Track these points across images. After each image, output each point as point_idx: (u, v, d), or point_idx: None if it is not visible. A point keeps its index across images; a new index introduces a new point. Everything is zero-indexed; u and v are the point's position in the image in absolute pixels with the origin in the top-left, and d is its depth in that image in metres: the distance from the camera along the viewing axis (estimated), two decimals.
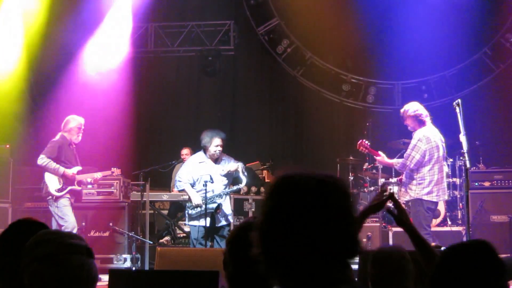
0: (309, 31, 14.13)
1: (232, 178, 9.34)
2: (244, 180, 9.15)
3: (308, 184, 1.96)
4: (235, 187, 9.28)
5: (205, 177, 9.08)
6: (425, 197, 8.38)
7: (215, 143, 9.13)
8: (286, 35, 14.14)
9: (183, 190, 9.41)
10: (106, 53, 13.40)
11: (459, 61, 13.45)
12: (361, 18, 13.53)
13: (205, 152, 9.28)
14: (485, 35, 13.42)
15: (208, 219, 8.96)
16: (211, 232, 9.09)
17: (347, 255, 1.96)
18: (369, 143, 9.01)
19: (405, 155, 8.55)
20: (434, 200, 8.50)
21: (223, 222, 9.23)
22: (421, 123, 8.47)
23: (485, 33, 13.41)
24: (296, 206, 1.92)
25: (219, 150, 9.18)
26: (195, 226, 9.14)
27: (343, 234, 1.93)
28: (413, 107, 8.55)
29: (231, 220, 9.43)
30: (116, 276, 4.61)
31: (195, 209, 9.09)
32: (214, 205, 9.02)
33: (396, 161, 8.83)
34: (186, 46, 14.28)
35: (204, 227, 9.00)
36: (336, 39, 13.98)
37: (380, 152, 8.93)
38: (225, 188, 9.22)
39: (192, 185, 9.23)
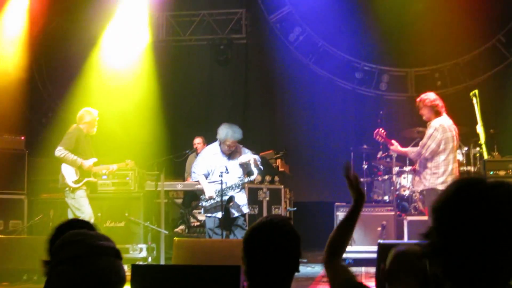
0: (321, 18, 14.15)
1: (246, 171, 9.40)
2: (255, 172, 9.17)
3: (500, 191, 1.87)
4: (246, 179, 9.32)
5: (221, 168, 9.15)
6: (440, 187, 8.43)
7: (227, 143, 9.14)
8: (298, 22, 14.17)
9: (198, 181, 9.50)
10: (124, 43, 13.50)
11: (473, 48, 13.44)
12: (373, 5, 13.52)
13: (219, 144, 9.35)
14: (499, 22, 13.39)
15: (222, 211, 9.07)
16: (226, 222, 9.18)
17: None
18: (385, 132, 9.04)
19: (420, 143, 8.57)
20: None
21: (237, 214, 9.30)
22: (437, 113, 8.49)
23: (499, 19, 13.38)
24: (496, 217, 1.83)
25: (231, 150, 9.21)
26: (210, 216, 9.22)
27: None
28: (430, 97, 8.56)
29: (247, 210, 9.48)
30: (138, 271, 4.68)
31: (209, 201, 9.16)
32: (226, 198, 9.07)
33: (411, 150, 8.85)
34: (198, 35, 14.36)
35: (219, 218, 9.12)
36: (348, 27, 14.00)
37: (393, 141, 8.96)
38: (239, 180, 9.27)
39: (206, 176, 9.31)
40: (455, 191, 1.90)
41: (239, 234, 9.17)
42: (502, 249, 1.81)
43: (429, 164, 8.52)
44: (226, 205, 9.03)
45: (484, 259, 1.82)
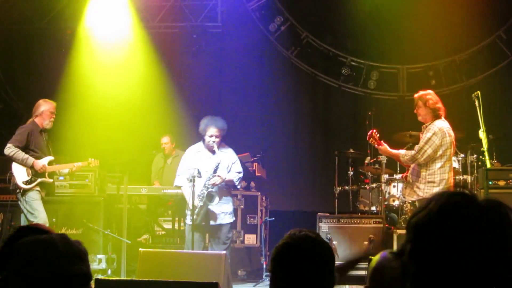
0: (305, 7, 14.14)
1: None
2: (215, 199, 9.09)
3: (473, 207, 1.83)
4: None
5: (205, 166, 9.12)
6: None
7: (209, 133, 9.14)
8: (280, 11, 14.13)
9: (180, 186, 9.45)
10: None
11: (471, 45, 13.51)
12: None
13: (203, 141, 9.32)
14: (499, 17, 13.48)
15: (200, 215, 9.06)
16: (206, 230, 9.23)
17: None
18: (379, 135, 8.89)
19: (416, 147, 8.50)
20: None
21: (220, 221, 9.22)
22: (436, 117, 8.49)
23: (500, 14, 13.47)
24: (461, 234, 1.79)
25: (214, 141, 9.17)
26: (189, 224, 9.16)
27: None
28: (433, 98, 8.52)
29: (230, 220, 9.43)
30: (102, 286, 4.63)
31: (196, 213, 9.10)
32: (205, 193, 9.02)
33: (404, 153, 8.67)
34: (168, 22, 14.23)
35: (197, 225, 9.09)
36: (335, 17, 14.01)
37: (382, 142, 8.84)
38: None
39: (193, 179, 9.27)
40: (439, 210, 1.84)
41: (216, 247, 9.12)
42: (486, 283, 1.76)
43: (423, 172, 8.49)
44: (206, 201, 8.97)
45: None
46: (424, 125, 8.61)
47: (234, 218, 9.55)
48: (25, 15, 14.30)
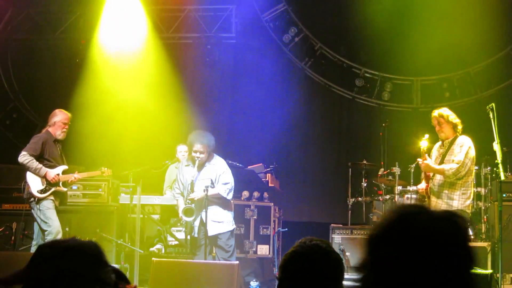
0: (319, 19, 14.18)
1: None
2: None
3: (431, 225, 1.89)
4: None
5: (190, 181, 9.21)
6: (468, 210, 8.50)
7: (194, 148, 9.13)
8: (294, 22, 14.18)
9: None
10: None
11: (486, 57, 13.49)
12: (377, 6, 13.53)
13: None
14: None
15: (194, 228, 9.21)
16: (192, 241, 9.34)
17: None
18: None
19: (457, 160, 8.47)
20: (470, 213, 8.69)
21: (218, 231, 9.24)
22: (457, 131, 8.60)
23: None
24: (411, 245, 1.85)
25: (198, 157, 9.15)
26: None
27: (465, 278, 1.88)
28: (450, 113, 8.63)
29: (230, 228, 9.41)
30: None
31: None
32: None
33: (448, 167, 8.53)
34: (182, 33, 14.30)
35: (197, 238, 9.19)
36: (349, 28, 14.04)
37: (427, 156, 8.77)
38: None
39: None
40: (395, 222, 1.89)
41: (220, 255, 9.15)
42: None
43: (458, 185, 8.50)
44: (183, 216, 9.03)
45: None
46: (446, 140, 8.63)
47: (234, 226, 9.45)
48: (39, 26, 14.43)
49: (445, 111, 8.69)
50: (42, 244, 2.45)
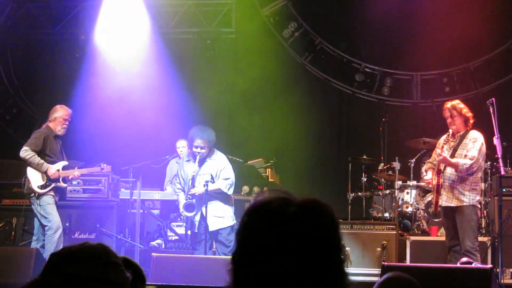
0: (319, 14, 14.17)
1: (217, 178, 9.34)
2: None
3: (285, 211, 1.87)
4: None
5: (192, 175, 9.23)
6: (478, 205, 8.52)
7: (195, 144, 9.15)
8: (294, 17, 14.17)
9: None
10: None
11: (486, 52, 13.48)
12: (377, 1, 13.53)
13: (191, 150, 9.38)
14: None
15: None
16: (193, 237, 9.39)
17: None
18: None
19: (470, 156, 8.43)
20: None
21: (218, 226, 9.25)
22: (469, 125, 8.57)
23: None
24: (273, 238, 1.84)
25: (199, 152, 9.18)
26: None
27: (328, 269, 1.86)
28: (465, 108, 8.61)
29: (231, 223, 9.42)
30: None
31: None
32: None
33: (463, 162, 8.48)
34: (182, 28, 14.29)
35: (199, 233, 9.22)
36: (349, 23, 14.03)
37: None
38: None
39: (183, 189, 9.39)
40: (251, 214, 1.91)
41: (220, 250, 9.18)
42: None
43: (469, 180, 8.51)
44: (184, 212, 9.06)
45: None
46: (458, 134, 8.60)
47: (234, 221, 9.41)
48: (39, 21, 14.43)
49: (458, 104, 8.64)
50: (53, 252, 2.49)
